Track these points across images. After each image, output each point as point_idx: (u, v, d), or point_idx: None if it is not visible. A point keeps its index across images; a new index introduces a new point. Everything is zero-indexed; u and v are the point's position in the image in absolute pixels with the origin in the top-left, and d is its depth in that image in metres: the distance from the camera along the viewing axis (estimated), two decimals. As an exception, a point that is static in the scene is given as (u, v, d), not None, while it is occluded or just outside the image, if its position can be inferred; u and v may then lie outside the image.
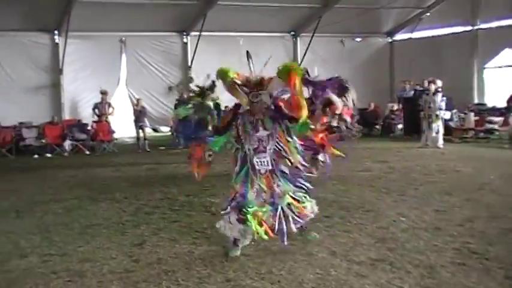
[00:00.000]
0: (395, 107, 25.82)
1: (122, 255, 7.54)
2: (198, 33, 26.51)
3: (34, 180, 15.54)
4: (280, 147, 7.30)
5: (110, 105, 23.60)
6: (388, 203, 10.20)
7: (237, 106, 7.48)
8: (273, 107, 7.31)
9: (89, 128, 24.06)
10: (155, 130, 25.86)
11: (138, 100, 24.16)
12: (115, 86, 25.43)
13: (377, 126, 26.33)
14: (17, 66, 24.15)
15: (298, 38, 29.32)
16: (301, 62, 28.27)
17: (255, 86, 7.23)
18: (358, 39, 30.28)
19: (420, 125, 20.28)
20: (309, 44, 28.44)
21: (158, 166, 17.04)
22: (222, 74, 7.56)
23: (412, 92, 23.68)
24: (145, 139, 22.97)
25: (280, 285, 6.14)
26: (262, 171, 7.25)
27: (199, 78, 25.97)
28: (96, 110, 23.44)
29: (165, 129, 26.33)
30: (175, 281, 6.38)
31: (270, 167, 7.25)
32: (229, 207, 7.34)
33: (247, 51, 7.95)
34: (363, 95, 25.46)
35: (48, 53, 25.00)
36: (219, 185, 12.78)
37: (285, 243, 7.10)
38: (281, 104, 7.23)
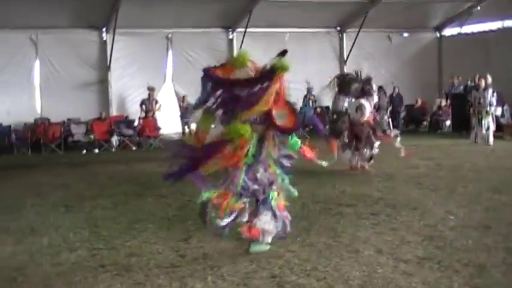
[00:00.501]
0: (444, 102, 25.43)
1: (168, 249, 7.57)
2: (243, 29, 26.49)
3: (82, 175, 15.70)
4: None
5: (156, 101, 23.77)
6: (435, 200, 10.06)
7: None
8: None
9: (136, 124, 24.24)
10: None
11: (184, 97, 24.29)
12: (161, 83, 25.57)
13: (424, 123, 26.00)
14: (66, 63, 24.42)
15: (344, 34, 29.03)
16: (347, 58, 28.21)
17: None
18: (406, 34, 29.81)
19: (470, 122, 19.86)
20: (355, 40, 28.14)
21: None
22: (242, 58, 7.35)
23: (462, 88, 23.29)
24: (191, 134, 23.04)
25: (326, 282, 6.08)
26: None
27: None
28: (143, 106, 23.62)
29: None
30: (221, 277, 6.37)
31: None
32: None
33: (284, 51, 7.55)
34: (410, 91, 25.37)
35: (96, 50, 25.24)
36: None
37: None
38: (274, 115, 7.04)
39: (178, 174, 7.26)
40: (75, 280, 6.49)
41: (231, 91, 7.12)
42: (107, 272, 6.69)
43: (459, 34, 29.61)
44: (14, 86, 22.54)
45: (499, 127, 20.39)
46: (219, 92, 7.20)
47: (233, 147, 6.94)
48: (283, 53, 7.43)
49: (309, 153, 7.93)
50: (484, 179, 12.29)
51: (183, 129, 23.52)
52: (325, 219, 8.91)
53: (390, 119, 22.49)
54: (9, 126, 22.71)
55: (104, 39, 25.44)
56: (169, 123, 24.95)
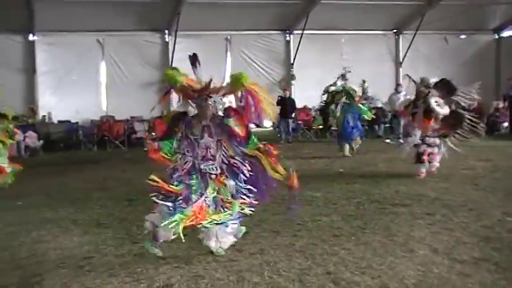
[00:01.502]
0: (501, 104, 25.03)
1: (226, 245, 7.57)
2: (300, 31, 26.52)
3: (144, 171, 15.74)
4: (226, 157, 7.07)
5: (215, 101, 23.83)
6: (492, 202, 9.84)
7: (184, 112, 7.15)
8: (221, 116, 7.09)
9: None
10: (258, 125, 25.92)
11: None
12: (220, 82, 25.61)
13: (481, 124, 25.61)
14: (130, 63, 24.81)
15: (401, 36, 28.81)
16: (402, 60, 27.96)
17: (203, 90, 6.97)
18: (463, 36, 29.43)
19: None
20: (411, 42, 27.92)
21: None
22: (170, 78, 7.01)
23: (520, 89, 22.91)
24: (249, 132, 23.06)
25: (381, 280, 6.00)
26: (213, 176, 6.95)
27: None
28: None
29: (267, 124, 26.40)
30: (277, 272, 6.34)
31: (219, 171, 6.98)
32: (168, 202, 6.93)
33: (193, 54, 7.43)
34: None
35: (158, 52, 25.59)
36: (320, 180, 12.73)
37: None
38: (233, 126, 7.01)
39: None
40: (137, 271, 6.55)
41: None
42: (167, 264, 6.73)
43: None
44: (82, 86, 22.95)
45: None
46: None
47: None
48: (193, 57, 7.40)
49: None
50: (544, 181, 12.00)
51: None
52: (380, 219, 8.80)
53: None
54: (77, 123, 23.15)
55: (166, 40, 25.77)
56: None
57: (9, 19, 23.09)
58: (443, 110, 12.22)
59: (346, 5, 24.94)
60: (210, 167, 6.84)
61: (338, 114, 16.94)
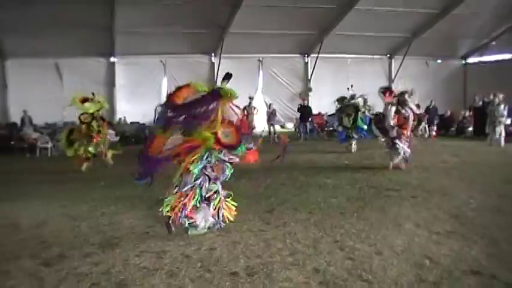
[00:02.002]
0: (467, 113, 24.92)
1: (256, 218, 7.61)
2: (316, 55, 26.56)
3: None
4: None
5: (254, 107, 24.03)
6: (460, 188, 9.76)
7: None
8: None
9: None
10: (282, 126, 25.99)
11: (270, 104, 24.48)
12: (254, 94, 25.72)
13: (452, 128, 25.46)
14: (185, 79, 24.37)
15: (393, 60, 28.75)
16: (394, 78, 27.93)
17: None
18: (439, 61, 29.35)
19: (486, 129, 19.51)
20: (400, 65, 27.91)
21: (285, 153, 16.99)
22: (226, 91, 6.74)
23: (481, 103, 22.76)
24: (275, 133, 23.16)
25: (376, 247, 6.02)
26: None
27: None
28: (245, 111, 23.82)
29: (290, 126, 26.44)
30: (296, 240, 6.37)
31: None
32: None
33: (229, 73, 7.39)
34: (442, 105, 24.90)
35: (207, 70, 25.73)
36: (330, 169, 12.73)
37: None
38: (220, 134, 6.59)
39: (144, 173, 6.89)
40: (189, 237, 6.60)
41: (180, 112, 6.55)
42: (211, 233, 6.78)
43: (480, 62, 29.39)
44: (148, 96, 23.00)
45: (509, 133, 19.83)
46: (170, 114, 6.63)
47: (191, 144, 6.52)
48: (228, 76, 7.28)
49: (252, 157, 7.31)
50: (497, 172, 11.85)
51: (269, 128, 23.61)
52: (376, 200, 8.78)
53: (427, 125, 22.03)
54: (144, 124, 23.33)
55: (213, 61, 25.94)
56: (259, 123, 25.08)
57: (97, 46, 23.57)
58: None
59: (352, 36, 24.93)
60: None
61: (349, 124, 16.98)
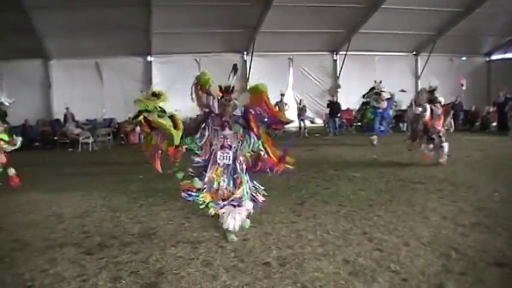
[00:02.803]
0: (491, 109, 24.47)
1: (288, 210, 7.60)
2: (344, 52, 26.31)
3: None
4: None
5: (286, 103, 24.07)
6: (485, 181, 9.58)
7: (209, 111, 6.52)
8: (240, 114, 6.40)
9: (266, 119, 24.40)
10: (312, 122, 25.87)
11: (300, 100, 24.43)
12: (285, 90, 25.65)
13: (477, 124, 25.05)
14: (218, 77, 24.92)
15: (419, 57, 28.31)
16: (420, 75, 27.55)
17: (226, 91, 6.44)
18: (464, 58, 28.82)
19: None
20: (426, 62, 27.47)
21: (314, 148, 16.97)
22: (203, 78, 6.54)
23: (503, 98, 22.33)
24: (305, 128, 23.13)
25: (403, 238, 5.96)
26: (221, 164, 6.25)
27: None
28: (276, 107, 23.84)
29: (319, 121, 26.31)
30: (326, 232, 6.35)
31: (230, 163, 6.28)
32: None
33: (234, 65, 6.85)
34: (467, 101, 24.52)
35: (239, 68, 25.63)
36: (359, 163, 12.64)
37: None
38: (251, 117, 6.31)
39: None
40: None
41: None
42: (245, 224, 6.77)
43: (504, 59, 28.71)
44: (182, 93, 22.90)
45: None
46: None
47: None
48: (234, 68, 6.78)
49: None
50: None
51: (299, 124, 23.57)
52: (404, 193, 8.68)
53: (453, 121, 21.69)
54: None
55: (245, 59, 25.91)
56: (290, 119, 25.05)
57: (134, 46, 23.79)
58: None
59: (379, 34, 24.64)
60: (226, 155, 6.26)
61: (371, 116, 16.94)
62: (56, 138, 21.66)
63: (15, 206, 8.89)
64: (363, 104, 18.11)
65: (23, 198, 9.52)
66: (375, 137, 17.13)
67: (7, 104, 11.66)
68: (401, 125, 23.57)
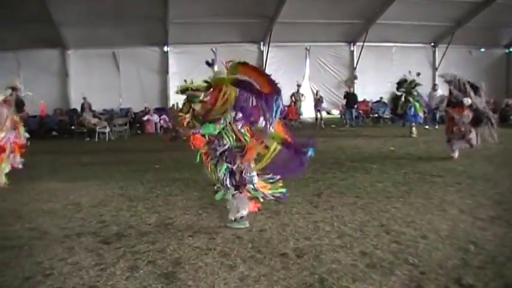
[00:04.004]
0: (510, 101, 24.23)
1: (305, 201, 7.57)
2: (361, 43, 26.18)
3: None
4: None
5: (302, 94, 24.07)
6: (503, 174, 9.47)
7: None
8: None
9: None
10: (328, 113, 25.83)
11: (317, 91, 24.46)
12: (301, 81, 25.57)
13: (496, 116, 24.85)
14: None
15: (437, 48, 28.06)
16: (438, 67, 27.30)
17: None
18: (482, 50, 28.49)
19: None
20: (444, 53, 27.20)
21: (330, 139, 16.90)
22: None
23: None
24: (321, 119, 23.10)
25: (421, 231, 5.91)
26: None
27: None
28: (293, 98, 23.88)
29: (336, 112, 26.24)
30: (343, 223, 6.32)
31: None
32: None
33: (212, 60, 6.89)
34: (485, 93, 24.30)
35: (256, 58, 25.66)
36: (376, 155, 12.60)
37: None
38: None
39: None
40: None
41: None
42: (262, 215, 6.77)
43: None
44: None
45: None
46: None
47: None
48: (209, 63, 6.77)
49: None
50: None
51: (316, 114, 23.56)
52: (421, 185, 8.62)
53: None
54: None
55: (261, 50, 25.88)
56: (306, 110, 25.03)
57: (151, 36, 23.89)
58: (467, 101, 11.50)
59: (396, 24, 24.46)
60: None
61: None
62: (73, 127, 21.83)
63: (34, 194, 8.98)
64: (396, 95, 17.86)
65: (41, 186, 9.62)
66: (414, 128, 16.96)
67: (22, 92, 11.61)
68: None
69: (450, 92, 11.91)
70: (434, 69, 27.69)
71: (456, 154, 11.63)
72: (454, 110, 11.61)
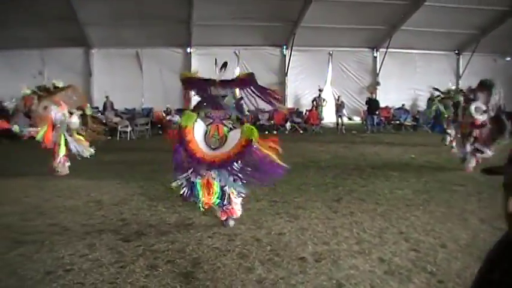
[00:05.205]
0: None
1: (324, 207, 7.60)
2: (385, 49, 26.03)
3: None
4: None
5: (324, 99, 24.08)
6: (527, 184, 9.40)
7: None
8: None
9: (304, 114, 24.59)
10: (350, 118, 25.75)
11: (338, 96, 24.39)
12: (323, 86, 25.54)
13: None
14: (257, 70, 24.82)
15: (461, 56, 27.81)
16: (461, 75, 27.10)
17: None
18: (508, 59, 28.14)
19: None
20: (468, 61, 26.93)
21: (351, 145, 16.90)
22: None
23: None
24: (342, 125, 23.04)
25: (441, 240, 5.91)
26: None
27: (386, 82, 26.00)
28: (314, 102, 23.89)
29: (357, 118, 26.16)
30: (362, 230, 6.34)
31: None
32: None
33: (225, 62, 7.28)
34: (510, 102, 23.99)
35: (278, 61, 25.73)
36: (396, 162, 12.55)
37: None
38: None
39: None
40: (260, 221, 6.75)
41: None
42: (281, 218, 6.85)
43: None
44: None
45: None
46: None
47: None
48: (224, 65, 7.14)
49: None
50: None
51: (337, 120, 23.53)
52: (442, 194, 8.60)
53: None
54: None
55: (284, 54, 25.88)
56: (327, 115, 24.99)
57: (174, 37, 24.02)
58: (481, 117, 11.23)
59: (420, 31, 24.29)
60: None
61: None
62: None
63: (55, 191, 9.15)
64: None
65: (63, 183, 9.79)
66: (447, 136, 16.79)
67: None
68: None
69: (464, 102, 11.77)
70: (458, 77, 27.47)
71: (471, 165, 11.29)
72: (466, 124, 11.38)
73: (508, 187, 1.68)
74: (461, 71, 27.72)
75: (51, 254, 5.50)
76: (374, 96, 24.26)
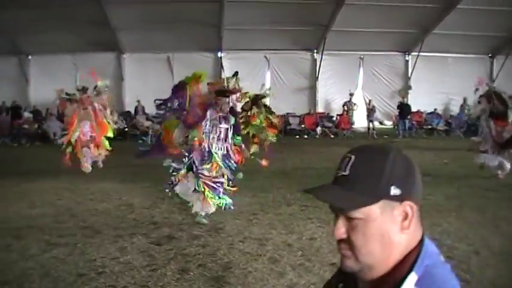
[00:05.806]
0: None
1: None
2: (417, 53, 25.73)
3: (296, 152, 16.06)
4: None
5: (355, 103, 23.97)
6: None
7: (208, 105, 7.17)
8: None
9: (334, 119, 24.51)
10: (381, 123, 25.55)
11: (370, 101, 24.24)
12: (354, 90, 25.42)
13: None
14: (287, 74, 25.18)
15: (494, 60, 27.33)
16: (495, 79, 26.63)
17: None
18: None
19: None
20: (502, 65, 26.40)
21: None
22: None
23: None
24: (373, 129, 22.90)
25: (474, 247, 5.88)
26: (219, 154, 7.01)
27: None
28: (345, 107, 23.83)
29: (388, 123, 25.93)
30: (394, 235, 6.28)
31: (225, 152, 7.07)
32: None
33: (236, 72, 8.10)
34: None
35: (308, 65, 25.70)
36: (429, 167, 12.39)
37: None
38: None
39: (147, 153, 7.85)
40: (291, 226, 6.76)
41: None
42: (312, 223, 6.86)
43: None
44: (251, 90, 23.32)
45: None
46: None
47: None
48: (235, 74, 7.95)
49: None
50: None
51: (368, 124, 23.37)
52: (475, 200, 8.50)
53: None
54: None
55: (315, 58, 25.84)
56: (358, 119, 24.85)
57: (205, 41, 24.18)
58: None
59: (453, 35, 23.95)
60: (220, 146, 7.00)
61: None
62: (126, 129, 22.33)
63: (88, 194, 9.30)
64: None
65: (95, 186, 9.93)
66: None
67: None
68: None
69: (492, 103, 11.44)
70: (492, 81, 26.97)
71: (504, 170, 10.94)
72: (496, 122, 11.07)
73: None
74: (495, 74, 27.25)
75: (83, 257, 5.60)
76: (406, 100, 24.04)
